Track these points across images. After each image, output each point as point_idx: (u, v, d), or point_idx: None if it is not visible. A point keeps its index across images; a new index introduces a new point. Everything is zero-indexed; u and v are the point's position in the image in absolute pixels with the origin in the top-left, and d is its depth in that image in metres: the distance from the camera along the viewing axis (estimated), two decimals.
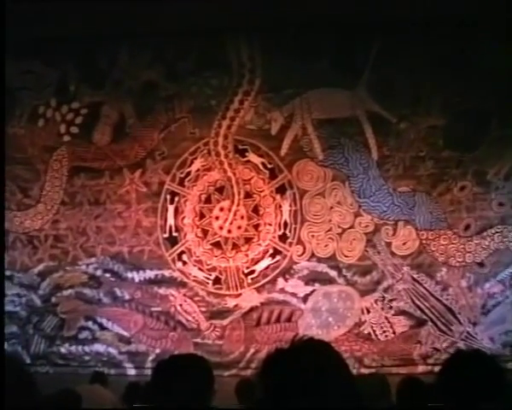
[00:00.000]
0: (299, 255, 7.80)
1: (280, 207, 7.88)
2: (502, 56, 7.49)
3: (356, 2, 7.24)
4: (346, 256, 7.75)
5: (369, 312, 7.66)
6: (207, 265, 7.90)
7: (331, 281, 7.73)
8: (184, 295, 7.87)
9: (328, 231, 7.79)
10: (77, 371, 7.76)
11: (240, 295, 7.81)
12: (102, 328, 7.96)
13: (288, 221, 7.85)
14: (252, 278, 7.82)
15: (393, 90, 7.75)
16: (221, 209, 7.95)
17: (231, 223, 7.91)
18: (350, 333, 7.63)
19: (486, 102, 7.59)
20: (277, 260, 7.81)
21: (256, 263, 7.83)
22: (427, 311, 7.60)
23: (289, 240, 7.82)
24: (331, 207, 7.81)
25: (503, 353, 7.33)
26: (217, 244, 7.92)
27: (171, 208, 8.00)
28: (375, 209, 7.75)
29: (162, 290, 7.91)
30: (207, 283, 7.88)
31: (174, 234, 7.97)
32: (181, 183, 8.01)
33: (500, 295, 7.56)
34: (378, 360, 7.55)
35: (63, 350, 7.97)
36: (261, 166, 7.92)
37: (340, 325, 7.66)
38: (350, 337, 7.62)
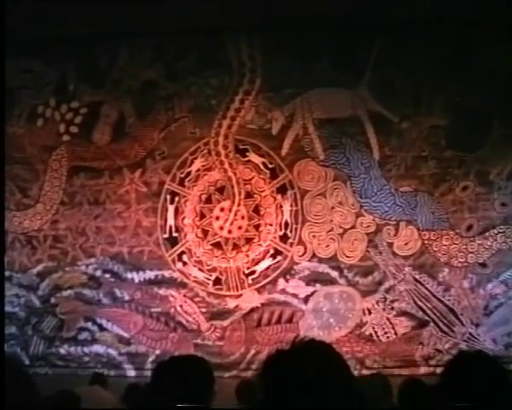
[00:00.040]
0: (300, 256, 7.77)
1: (281, 207, 7.85)
2: (504, 56, 7.47)
3: (356, 2, 7.23)
4: (347, 257, 7.72)
5: (370, 313, 7.62)
6: (208, 265, 7.87)
7: (332, 282, 7.70)
8: (184, 295, 7.84)
9: (330, 231, 7.77)
10: (76, 373, 7.73)
11: (240, 295, 7.78)
12: (102, 329, 7.93)
13: (289, 221, 7.82)
14: (252, 279, 7.79)
15: (395, 89, 7.73)
16: (221, 209, 7.93)
17: (232, 223, 7.89)
18: (351, 334, 7.60)
19: (489, 102, 7.58)
20: (278, 261, 7.78)
21: (257, 264, 7.80)
22: (429, 312, 7.56)
23: (290, 240, 7.80)
24: (332, 208, 7.79)
25: (506, 354, 7.27)
26: (217, 245, 7.89)
27: (171, 208, 7.97)
28: (376, 209, 7.72)
29: (162, 291, 7.87)
30: (208, 283, 7.85)
31: (174, 234, 7.95)
32: (181, 183, 7.98)
33: (503, 296, 7.53)
34: (380, 362, 7.52)
35: (62, 351, 7.94)
36: (262, 166, 7.89)
37: (341, 326, 7.63)
38: (351, 338, 7.58)
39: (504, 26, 7.36)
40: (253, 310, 7.74)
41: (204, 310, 7.80)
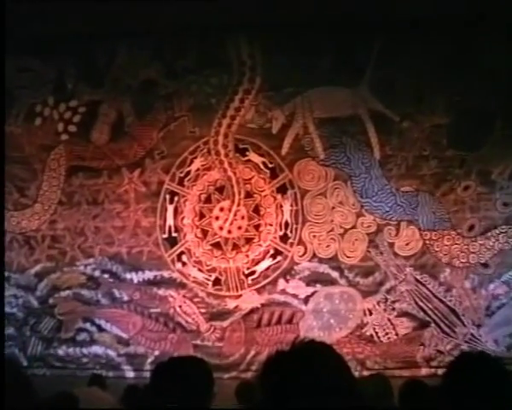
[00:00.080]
0: (301, 256, 7.74)
1: (281, 207, 7.83)
2: (506, 56, 7.45)
3: (357, 1, 7.21)
4: (347, 257, 7.70)
5: (371, 313, 7.60)
6: (207, 265, 7.84)
7: (333, 282, 7.68)
8: (184, 296, 7.81)
9: (330, 231, 7.74)
10: (75, 374, 7.71)
11: (240, 296, 7.75)
12: (101, 330, 7.90)
13: (289, 221, 7.79)
14: (252, 279, 7.76)
15: (396, 88, 7.71)
16: (221, 209, 7.90)
17: (231, 223, 7.86)
18: (352, 335, 7.58)
19: (491, 101, 7.55)
20: (278, 261, 7.76)
21: (257, 264, 7.78)
22: (430, 312, 7.54)
23: (290, 240, 7.77)
24: (333, 207, 7.76)
25: (508, 355, 7.22)
26: (217, 245, 7.86)
27: (170, 208, 7.94)
28: (377, 209, 7.70)
29: (161, 291, 7.85)
30: (207, 284, 7.82)
31: (173, 234, 7.92)
32: (180, 182, 7.95)
33: (505, 297, 7.51)
34: (380, 363, 7.50)
35: (61, 352, 7.91)
36: (262, 166, 7.87)
37: (341, 327, 7.61)
38: (352, 339, 7.56)
39: (508, 26, 7.37)
40: (252, 311, 7.72)
41: (203, 311, 7.78)
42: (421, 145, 7.70)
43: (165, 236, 7.92)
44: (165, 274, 7.86)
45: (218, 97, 7.94)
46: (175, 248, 7.90)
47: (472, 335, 7.47)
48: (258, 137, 7.89)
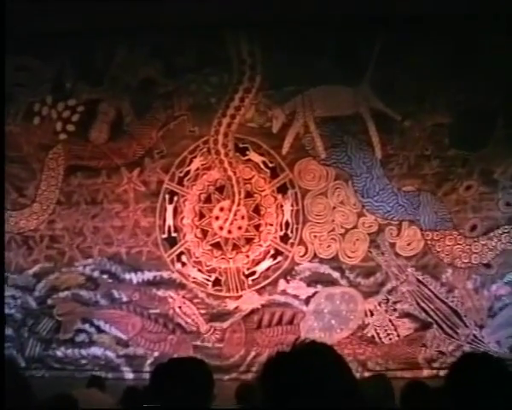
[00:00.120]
0: (301, 256, 7.71)
1: (281, 206, 7.80)
2: (508, 54, 7.41)
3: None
4: (349, 257, 7.67)
5: (372, 314, 7.57)
6: (207, 266, 7.81)
7: (334, 282, 7.65)
8: (183, 297, 7.78)
9: (331, 231, 7.71)
10: (73, 375, 7.68)
11: (240, 296, 7.72)
12: (100, 331, 7.87)
13: (290, 221, 7.76)
14: (252, 280, 7.73)
15: (397, 87, 7.69)
16: (221, 209, 7.87)
17: (231, 223, 7.83)
18: (353, 336, 7.55)
19: (493, 100, 7.54)
20: (279, 262, 7.73)
21: (257, 264, 7.75)
22: (432, 313, 7.51)
23: (291, 241, 7.74)
24: (334, 207, 7.74)
25: (510, 356, 7.19)
26: (217, 245, 7.83)
27: (169, 208, 7.91)
28: (378, 209, 7.67)
29: (161, 292, 7.82)
30: (207, 284, 7.79)
31: (173, 234, 7.89)
32: (180, 182, 7.92)
33: (507, 298, 7.48)
34: (382, 364, 7.47)
35: (59, 354, 7.88)
36: (262, 165, 7.84)
37: (342, 328, 7.58)
38: (353, 340, 7.53)
39: (510, 24, 7.33)
40: (253, 311, 7.69)
41: (203, 311, 7.75)
42: (422, 144, 7.68)
43: (165, 236, 7.89)
44: (165, 275, 7.83)
45: (218, 96, 7.92)
46: (174, 248, 7.87)
47: (474, 336, 7.44)
48: (258, 136, 7.86)
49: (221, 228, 7.84)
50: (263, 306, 7.68)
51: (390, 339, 7.52)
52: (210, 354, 7.36)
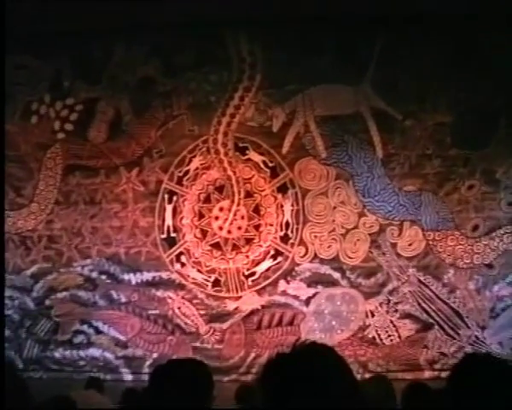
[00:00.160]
0: (302, 257, 7.69)
1: (281, 206, 7.77)
2: (510, 53, 7.40)
3: None
4: (349, 258, 7.65)
5: (373, 315, 7.55)
6: (206, 266, 7.79)
7: (334, 283, 7.63)
8: (183, 297, 7.76)
9: (332, 231, 7.69)
10: (71, 377, 7.67)
11: (240, 297, 7.70)
12: (98, 332, 7.86)
13: (290, 221, 7.74)
14: (252, 280, 7.71)
15: (399, 86, 7.66)
16: (221, 209, 7.85)
17: (231, 223, 7.81)
18: (354, 337, 7.53)
19: (495, 99, 7.53)
20: (279, 262, 7.71)
21: (257, 265, 7.72)
22: (433, 314, 7.49)
23: (291, 241, 7.72)
24: (334, 207, 7.71)
25: None
26: (216, 245, 7.81)
27: (169, 208, 7.89)
28: (379, 209, 7.65)
29: (160, 293, 7.80)
30: (206, 285, 7.77)
31: (172, 235, 7.87)
32: (179, 182, 7.90)
33: (509, 298, 7.47)
34: (383, 365, 7.46)
35: (57, 355, 7.87)
36: (262, 165, 7.82)
37: (343, 329, 7.56)
38: (354, 341, 7.52)
39: (509, 25, 7.32)
40: (253, 312, 7.67)
41: (203, 312, 7.73)
42: (424, 144, 7.65)
43: (164, 236, 7.87)
44: (164, 275, 7.81)
45: (218, 95, 7.89)
46: (174, 248, 7.85)
47: (476, 337, 7.43)
48: (258, 135, 7.84)
49: (221, 228, 7.82)
50: (263, 307, 7.66)
51: (391, 340, 7.50)
52: (209, 356, 7.34)
